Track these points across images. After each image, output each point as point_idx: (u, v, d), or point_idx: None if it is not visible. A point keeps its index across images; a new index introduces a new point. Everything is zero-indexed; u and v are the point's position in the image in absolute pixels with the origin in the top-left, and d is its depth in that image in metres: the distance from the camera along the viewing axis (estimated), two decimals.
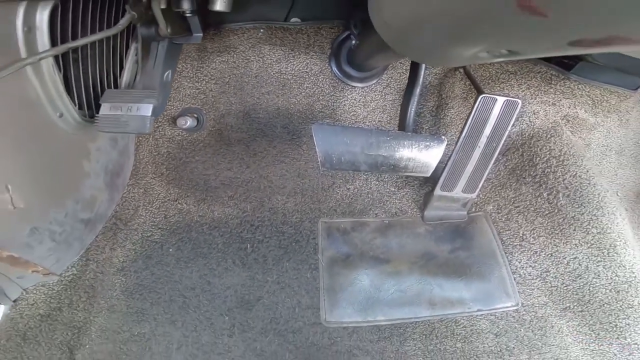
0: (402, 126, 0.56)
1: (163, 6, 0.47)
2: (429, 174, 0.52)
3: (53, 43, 0.41)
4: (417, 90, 0.53)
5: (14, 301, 0.60)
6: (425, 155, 0.51)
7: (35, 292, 0.61)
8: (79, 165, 0.52)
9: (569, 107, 0.76)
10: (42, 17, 0.40)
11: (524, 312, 0.65)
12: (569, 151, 0.72)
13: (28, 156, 0.42)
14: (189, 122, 0.68)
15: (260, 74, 0.73)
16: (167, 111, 0.73)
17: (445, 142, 0.51)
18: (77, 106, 0.46)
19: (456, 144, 0.63)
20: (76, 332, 0.62)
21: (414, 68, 0.59)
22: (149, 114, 0.44)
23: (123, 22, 0.43)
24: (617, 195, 0.86)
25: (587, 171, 0.71)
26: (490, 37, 0.28)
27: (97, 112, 0.48)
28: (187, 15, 0.53)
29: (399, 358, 0.61)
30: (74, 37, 0.44)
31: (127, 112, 0.43)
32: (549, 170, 0.70)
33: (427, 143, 0.51)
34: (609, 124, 0.83)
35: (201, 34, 0.57)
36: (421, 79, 0.54)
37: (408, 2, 0.30)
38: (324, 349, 0.61)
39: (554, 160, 0.71)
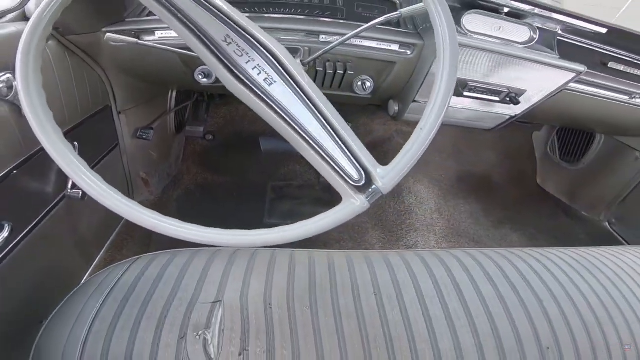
0: None
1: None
2: None
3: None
4: None
5: None
6: None
7: (141, 203, 1.52)
8: (169, 151, 1.48)
9: (395, 125, 1.69)
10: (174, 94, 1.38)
11: (355, 225, 1.47)
12: (393, 148, 1.63)
13: (159, 144, 1.38)
14: (211, 137, 1.64)
15: (244, 114, 1.70)
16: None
17: None
18: (175, 127, 1.44)
19: None
20: None
21: None
22: (202, 130, 1.41)
23: (195, 97, 1.42)
24: (442, 176, 1.74)
25: None
26: None
27: (180, 131, 1.45)
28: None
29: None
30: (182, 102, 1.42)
31: (197, 129, 1.41)
32: (383, 157, 1.61)
33: None
34: None
35: (219, 98, 1.55)
36: None
37: None
38: None
39: (388, 153, 1.63)
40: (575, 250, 0.77)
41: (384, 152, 1.66)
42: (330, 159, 0.47)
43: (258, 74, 0.48)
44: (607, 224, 1.61)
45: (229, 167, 1.66)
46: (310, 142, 0.47)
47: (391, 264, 0.64)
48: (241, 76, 0.48)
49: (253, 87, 0.48)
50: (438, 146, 1.77)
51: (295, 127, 0.47)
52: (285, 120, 0.47)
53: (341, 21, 0.90)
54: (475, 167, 1.81)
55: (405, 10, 0.58)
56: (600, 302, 0.62)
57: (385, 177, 0.46)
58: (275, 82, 0.48)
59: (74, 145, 0.87)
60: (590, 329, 0.57)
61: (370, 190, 0.46)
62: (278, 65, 0.49)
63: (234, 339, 0.51)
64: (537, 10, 0.90)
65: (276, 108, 0.47)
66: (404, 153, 0.47)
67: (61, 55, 0.85)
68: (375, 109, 1.71)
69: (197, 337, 0.50)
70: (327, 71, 0.89)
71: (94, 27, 0.87)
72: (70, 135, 0.88)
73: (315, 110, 0.47)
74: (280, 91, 0.48)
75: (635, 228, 1.49)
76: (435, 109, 0.47)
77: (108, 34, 0.68)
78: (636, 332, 0.59)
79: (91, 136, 1.00)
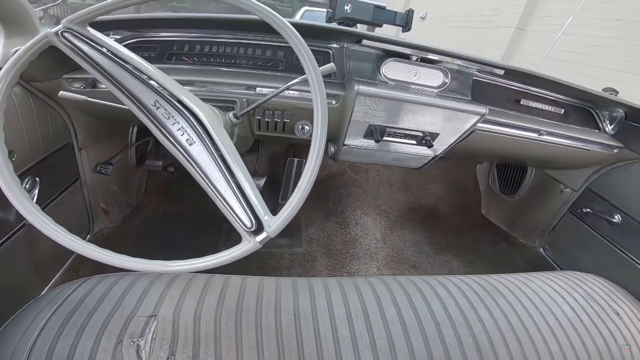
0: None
1: None
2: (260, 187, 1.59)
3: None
4: (258, 159, 1.63)
5: (95, 233, 1.60)
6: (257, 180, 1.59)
7: (101, 230, 1.59)
8: (130, 183, 1.58)
9: None
10: (135, 129, 1.50)
11: (306, 254, 1.60)
12: (345, 182, 1.79)
13: (120, 177, 1.49)
14: (172, 169, 1.76)
15: None
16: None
17: (265, 179, 1.59)
18: (137, 160, 1.55)
19: (284, 177, 1.71)
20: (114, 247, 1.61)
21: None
22: (161, 164, 1.54)
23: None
24: (391, 208, 1.90)
25: (353, 193, 1.77)
26: None
27: (141, 164, 1.57)
28: None
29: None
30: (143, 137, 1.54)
31: (156, 163, 1.53)
32: (335, 191, 1.76)
33: (257, 178, 1.58)
34: (377, 168, 1.91)
35: None
36: (260, 150, 1.64)
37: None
38: None
39: (339, 187, 1.77)
40: (486, 277, 0.85)
41: (336, 186, 1.81)
42: (231, 209, 0.60)
43: (181, 135, 0.62)
44: (541, 250, 1.78)
45: (189, 197, 1.78)
46: (217, 194, 0.61)
47: (313, 290, 0.73)
48: (168, 135, 0.62)
49: (176, 145, 0.61)
50: (388, 179, 1.94)
51: (206, 181, 0.61)
52: (199, 174, 0.61)
53: (278, 74, 1.06)
54: (423, 199, 1.98)
55: None
56: (495, 326, 0.68)
57: (272, 225, 0.60)
58: (194, 142, 0.62)
59: (35, 180, 0.98)
60: (483, 351, 0.63)
61: (261, 234, 0.60)
62: (199, 127, 0.63)
63: (164, 346, 0.60)
64: (439, 57, 1.01)
65: (193, 164, 0.61)
66: (287, 206, 0.61)
67: (25, 99, 0.96)
68: None
69: (132, 343, 0.59)
70: (266, 119, 1.04)
71: (54, 75, 0.99)
72: (33, 170, 0.99)
73: (224, 168, 0.61)
74: (197, 150, 0.62)
75: (565, 253, 1.66)
76: (309, 173, 0.61)
77: (61, 92, 0.80)
78: (528, 354, 0.65)
79: (53, 171, 1.10)
